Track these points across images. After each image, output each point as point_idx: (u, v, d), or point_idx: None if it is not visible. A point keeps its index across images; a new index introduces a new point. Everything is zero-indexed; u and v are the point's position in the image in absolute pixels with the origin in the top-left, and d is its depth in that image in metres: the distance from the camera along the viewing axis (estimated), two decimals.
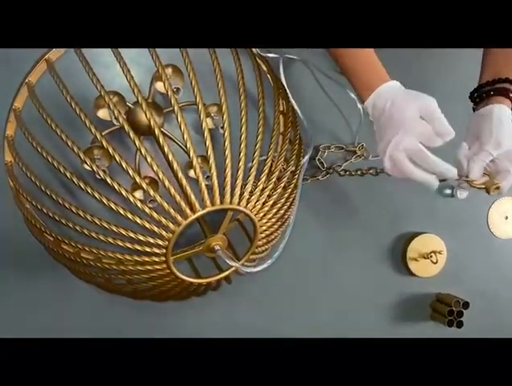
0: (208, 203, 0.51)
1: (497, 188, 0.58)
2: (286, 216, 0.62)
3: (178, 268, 0.56)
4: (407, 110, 0.52)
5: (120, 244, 0.51)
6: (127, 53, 0.68)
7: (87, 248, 0.53)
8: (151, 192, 0.49)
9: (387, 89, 0.55)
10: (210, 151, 0.50)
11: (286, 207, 0.61)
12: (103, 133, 0.64)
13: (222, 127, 0.52)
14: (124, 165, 0.49)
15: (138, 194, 0.67)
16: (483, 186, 0.58)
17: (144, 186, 0.49)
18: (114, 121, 0.60)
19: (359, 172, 0.79)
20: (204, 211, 0.51)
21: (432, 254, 0.84)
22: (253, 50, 0.66)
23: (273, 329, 0.79)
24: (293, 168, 0.61)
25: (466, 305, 0.82)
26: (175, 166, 0.48)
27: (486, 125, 0.59)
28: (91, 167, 0.50)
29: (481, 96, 0.62)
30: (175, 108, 0.49)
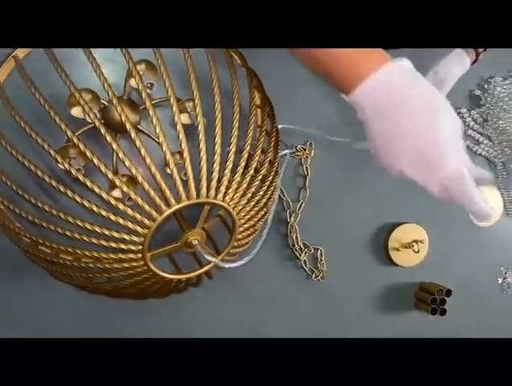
0: (183, 197, 0.50)
1: None
2: (265, 209, 0.62)
3: (156, 265, 0.55)
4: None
5: (94, 241, 0.50)
6: (103, 51, 0.67)
7: (63, 248, 0.52)
8: (124, 188, 0.48)
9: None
10: (184, 145, 0.50)
11: (265, 199, 0.60)
12: (78, 133, 0.64)
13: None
14: (103, 168, 0.48)
15: (117, 193, 0.66)
16: None
17: (118, 182, 0.49)
18: (88, 119, 0.60)
19: None
20: (180, 206, 0.50)
21: (414, 243, 0.84)
22: None
23: (257, 322, 0.79)
24: (271, 159, 0.60)
25: (448, 292, 0.83)
26: (148, 160, 0.48)
27: None
28: (68, 170, 0.49)
29: None
30: (147, 102, 0.49)
